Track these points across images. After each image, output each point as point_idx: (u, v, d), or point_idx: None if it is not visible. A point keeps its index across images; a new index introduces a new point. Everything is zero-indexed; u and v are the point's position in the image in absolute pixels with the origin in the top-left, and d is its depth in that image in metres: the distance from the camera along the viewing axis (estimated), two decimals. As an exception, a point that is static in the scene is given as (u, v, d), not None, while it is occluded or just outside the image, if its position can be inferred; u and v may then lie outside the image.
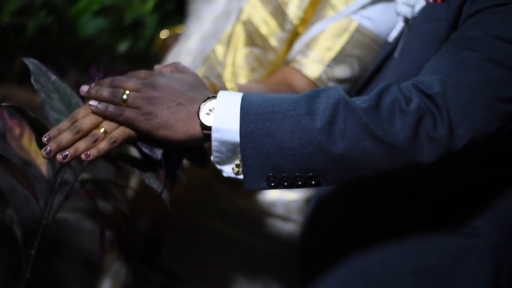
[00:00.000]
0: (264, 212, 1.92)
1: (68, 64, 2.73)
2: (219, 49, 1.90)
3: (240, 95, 1.45)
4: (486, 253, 1.60)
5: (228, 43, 1.89)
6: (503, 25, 1.50)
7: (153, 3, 2.36)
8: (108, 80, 1.50)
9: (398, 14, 1.74)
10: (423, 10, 1.65)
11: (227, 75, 1.89)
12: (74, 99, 1.57)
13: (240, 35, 1.88)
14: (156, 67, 1.55)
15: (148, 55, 2.36)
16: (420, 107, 1.43)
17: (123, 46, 2.40)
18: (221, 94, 1.45)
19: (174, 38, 2.16)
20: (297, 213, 1.93)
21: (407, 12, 1.71)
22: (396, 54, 1.70)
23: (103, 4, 2.30)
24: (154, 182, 1.51)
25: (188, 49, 1.94)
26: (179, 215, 1.94)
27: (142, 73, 1.50)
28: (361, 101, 1.43)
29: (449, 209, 1.62)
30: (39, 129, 1.56)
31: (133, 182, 2.01)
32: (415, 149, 1.42)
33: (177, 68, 1.54)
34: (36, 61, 1.56)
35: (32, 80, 1.55)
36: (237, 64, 1.88)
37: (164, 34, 2.21)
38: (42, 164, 1.82)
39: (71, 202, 1.72)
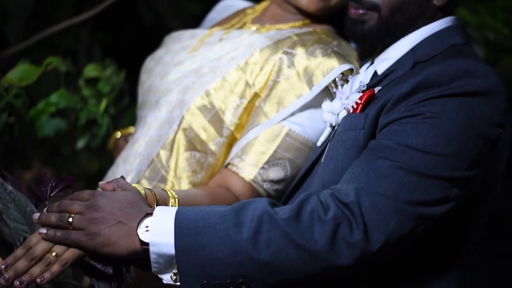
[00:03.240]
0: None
1: (32, 156, 2.88)
2: (163, 154, 2.06)
3: (175, 210, 1.61)
4: None
5: (171, 148, 2.05)
6: (414, 134, 1.67)
7: (105, 104, 2.51)
8: (55, 204, 1.66)
9: (324, 121, 1.91)
10: (345, 119, 1.82)
11: (170, 178, 2.04)
12: (28, 207, 1.73)
13: (181, 140, 2.04)
14: (100, 183, 1.71)
15: (105, 149, 2.51)
16: (337, 215, 1.59)
17: (80, 143, 2.56)
18: (157, 210, 1.61)
19: (124, 139, 2.32)
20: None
21: (332, 119, 1.88)
22: (322, 159, 1.87)
23: (58, 106, 2.46)
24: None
25: (135, 153, 2.09)
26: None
27: (86, 194, 1.66)
28: (283, 212, 1.59)
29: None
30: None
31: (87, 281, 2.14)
32: (334, 254, 1.58)
33: (119, 185, 1.70)
34: None
35: None
36: (179, 167, 2.04)
37: (116, 135, 2.38)
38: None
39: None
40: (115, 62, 2.70)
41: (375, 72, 1.89)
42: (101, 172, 2.29)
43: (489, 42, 3.83)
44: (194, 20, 3.99)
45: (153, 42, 2.49)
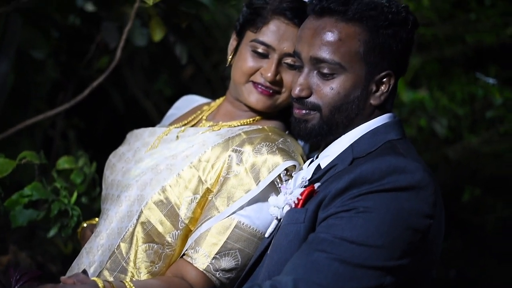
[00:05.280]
0: None
1: (8, 241, 3.02)
2: (123, 246, 2.20)
3: None
4: None
5: (131, 240, 2.20)
6: (348, 228, 1.82)
7: (76, 196, 2.64)
8: None
9: (271, 214, 2.06)
10: (288, 213, 1.98)
11: (130, 269, 2.18)
12: None
13: (140, 233, 2.19)
14: (62, 278, 1.86)
15: (76, 237, 2.63)
16: None
17: (51, 233, 2.67)
18: None
19: (90, 229, 2.46)
20: None
21: (277, 213, 2.03)
22: (269, 250, 2.01)
23: (31, 198, 2.58)
24: None
25: (98, 244, 2.24)
26: None
27: (49, 287, 1.81)
28: None
29: None
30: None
31: None
32: None
33: (79, 279, 1.86)
34: None
35: None
36: (138, 258, 2.18)
37: (83, 225, 2.52)
38: None
39: None
40: (87, 153, 2.84)
41: (319, 166, 2.04)
42: (76, 253, 2.42)
43: (443, 126, 4.06)
44: (166, 102, 4.18)
45: (126, 125, 2.63)
